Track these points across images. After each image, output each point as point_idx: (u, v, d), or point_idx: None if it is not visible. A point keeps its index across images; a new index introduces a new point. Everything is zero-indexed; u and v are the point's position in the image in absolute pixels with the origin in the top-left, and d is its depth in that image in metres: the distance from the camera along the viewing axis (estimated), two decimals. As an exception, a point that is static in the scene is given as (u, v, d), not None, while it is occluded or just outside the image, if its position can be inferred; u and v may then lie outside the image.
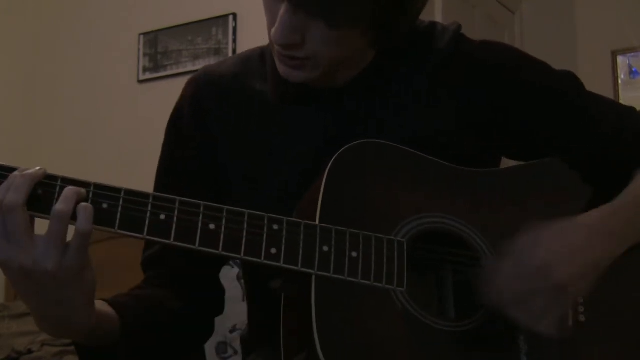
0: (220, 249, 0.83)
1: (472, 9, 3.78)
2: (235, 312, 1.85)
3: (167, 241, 0.82)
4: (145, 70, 3.59)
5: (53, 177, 0.80)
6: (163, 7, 3.59)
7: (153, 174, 1.11)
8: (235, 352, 2.35)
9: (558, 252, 0.89)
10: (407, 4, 0.92)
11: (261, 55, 1.10)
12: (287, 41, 0.90)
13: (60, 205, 0.78)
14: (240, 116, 1.05)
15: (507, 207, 0.99)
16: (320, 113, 1.02)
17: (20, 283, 0.80)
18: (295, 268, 0.84)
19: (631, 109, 1.09)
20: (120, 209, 0.81)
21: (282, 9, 0.88)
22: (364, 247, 0.87)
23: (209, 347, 2.30)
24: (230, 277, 2.18)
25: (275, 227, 0.85)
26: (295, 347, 0.87)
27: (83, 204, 0.79)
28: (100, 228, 0.80)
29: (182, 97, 1.11)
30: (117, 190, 0.81)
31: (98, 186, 0.81)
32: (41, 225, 0.80)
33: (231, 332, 2.35)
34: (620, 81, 3.94)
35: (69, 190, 0.79)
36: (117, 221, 0.81)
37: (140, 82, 3.60)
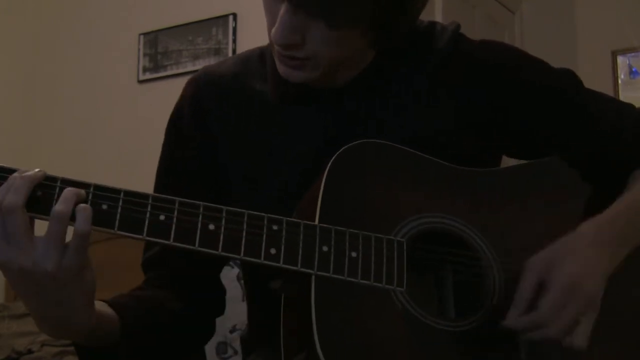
0: (220, 250, 0.83)
1: (472, 9, 3.78)
2: (235, 312, 1.84)
3: (166, 242, 0.82)
4: (145, 70, 3.59)
5: (52, 178, 0.80)
6: (163, 7, 3.59)
7: (153, 174, 1.11)
8: (235, 352, 2.35)
9: (581, 265, 0.90)
10: (407, 4, 0.92)
11: (261, 55, 1.10)
12: (287, 41, 0.90)
13: (59, 206, 0.78)
14: (240, 116, 1.05)
15: (507, 206, 0.99)
16: (320, 113, 1.02)
17: (20, 284, 0.80)
18: (295, 268, 0.84)
19: (630, 106, 1.09)
20: (119, 209, 0.81)
21: (282, 9, 0.88)
22: (363, 247, 0.87)
23: (209, 347, 2.31)
24: (230, 277, 2.18)
25: (275, 227, 0.85)
26: (295, 347, 0.87)
27: (82, 205, 0.79)
28: (99, 229, 0.80)
29: (182, 97, 1.11)
30: (116, 191, 0.81)
31: (97, 187, 0.81)
32: (41, 227, 0.80)
33: (231, 332, 2.35)
34: (620, 81, 3.94)
35: (68, 191, 0.79)
36: (117, 222, 0.81)
37: (140, 82, 3.60)
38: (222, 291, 1.13)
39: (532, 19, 4.26)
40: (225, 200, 1.02)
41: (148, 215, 0.81)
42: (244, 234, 0.84)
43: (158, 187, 1.09)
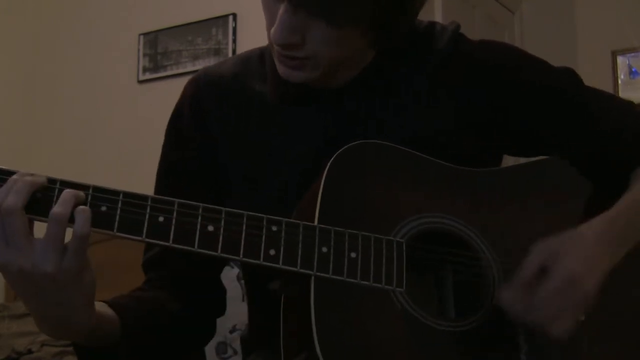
0: (219, 251, 0.83)
1: (472, 9, 3.78)
2: (235, 312, 1.84)
3: (165, 243, 0.82)
4: (145, 70, 3.59)
5: (52, 181, 0.80)
6: (163, 7, 3.59)
7: (153, 174, 1.11)
8: (235, 352, 2.35)
9: (583, 262, 0.90)
10: (407, 3, 0.92)
11: (260, 55, 1.10)
12: (287, 41, 0.90)
13: (58, 208, 0.78)
14: (240, 116, 1.05)
15: (507, 206, 0.99)
16: (320, 113, 1.02)
17: (19, 285, 0.80)
18: (294, 269, 0.84)
19: (630, 104, 1.09)
20: (118, 211, 0.81)
21: (282, 8, 0.88)
22: (362, 248, 0.87)
23: (209, 347, 2.30)
24: (230, 277, 2.18)
25: (274, 228, 0.85)
26: (295, 348, 0.87)
27: (81, 207, 0.79)
28: (99, 231, 0.80)
29: (182, 98, 1.11)
30: (115, 192, 0.81)
31: (97, 189, 0.81)
32: (40, 228, 0.80)
33: (231, 332, 2.35)
34: (620, 81, 3.94)
35: (67, 193, 0.79)
36: (116, 224, 0.81)
37: (140, 82, 3.60)
38: (222, 291, 1.13)
39: (532, 19, 4.26)
40: (225, 200, 1.02)
41: (147, 216, 0.81)
42: (243, 235, 0.84)
43: (159, 187, 1.09)
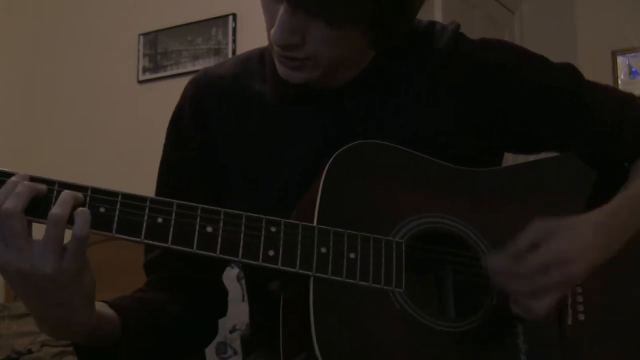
0: (218, 252, 0.83)
1: (472, 9, 3.78)
2: (235, 312, 1.84)
3: (164, 244, 0.82)
4: (145, 70, 3.59)
5: (50, 182, 0.80)
6: (163, 7, 3.58)
7: (153, 174, 1.11)
8: (235, 352, 2.35)
9: (576, 246, 0.90)
10: (407, 3, 0.92)
11: (260, 56, 1.10)
12: (287, 42, 0.90)
13: (56, 209, 0.78)
14: (240, 117, 1.05)
15: (507, 206, 0.99)
16: (320, 113, 1.02)
17: (19, 286, 0.80)
18: (293, 270, 0.84)
19: (631, 97, 1.09)
20: (117, 212, 0.81)
21: (281, 9, 0.88)
22: (362, 248, 0.87)
23: (209, 347, 2.30)
24: (230, 277, 2.18)
25: (273, 229, 0.85)
26: (294, 348, 0.87)
27: (80, 208, 0.79)
28: (97, 232, 0.80)
29: (182, 99, 1.11)
30: (114, 194, 0.81)
31: (95, 190, 0.81)
32: (39, 229, 0.80)
33: (231, 332, 2.35)
34: (620, 81, 3.94)
35: (66, 194, 0.79)
36: (115, 225, 0.81)
37: (140, 82, 3.60)
38: (223, 293, 1.13)
39: (532, 19, 4.26)
40: (225, 200, 1.02)
41: (146, 218, 0.81)
42: (242, 235, 0.83)
43: (160, 187, 1.10)
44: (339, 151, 0.91)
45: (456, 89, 1.04)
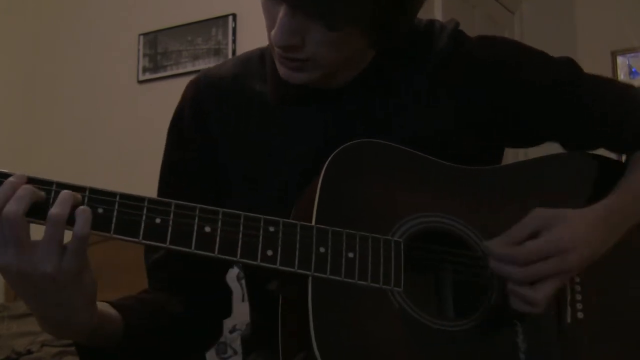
0: (216, 252, 0.83)
1: (472, 9, 3.78)
2: (235, 312, 1.84)
3: (162, 245, 0.82)
4: (145, 70, 3.59)
5: (48, 182, 0.80)
6: (163, 7, 3.58)
7: (153, 174, 1.11)
8: (235, 352, 2.35)
9: (577, 237, 0.91)
10: (406, 3, 0.92)
11: (261, 56, 1.10)
12: (287, 43, 0.90)
13: (55, 209, 0.78)
14: (240, 117, 1.05)
15: (507, 206, 0.99)
16: (320, 113, 1.02)
17: (19, 286, 0.80)
18: (292, 270, 0.84)
19: (631, 88, 1.10)
20: (115, 213, 0.81)
21: (281, 11, 0.88)
22: (360, 248, 0.87)
23: (209, 347, 2.30)
24: (230, 277, 2.17)
25: (272, 228, 0.85)
26: (293, 348, 0.87)
27: (81, 207, 0.79)
28: (96, 233, 0.80)
29: (183, 99, 1.11)
30: (112, 194, 0.81)
31: (93, 191, 0.81)
32: (38, 230, 0.80)
33: (231, 332, 2.35)
34: (620, 81, 3.94)
35: (65, 193, 0.79)
36: (113, 225, 0.80)
37: (140, 82, 3.60)
38: (226, 293, 1.12)
39: (532, 19, 4.26)
40: (226, 200, 1.02)
41: (144, 218, 0.81)
42: (241, 235, 0.83)
43: (161, 187, 1.10)
44: (337, 150, 0.91)
45: (456, 89, 1.04)
